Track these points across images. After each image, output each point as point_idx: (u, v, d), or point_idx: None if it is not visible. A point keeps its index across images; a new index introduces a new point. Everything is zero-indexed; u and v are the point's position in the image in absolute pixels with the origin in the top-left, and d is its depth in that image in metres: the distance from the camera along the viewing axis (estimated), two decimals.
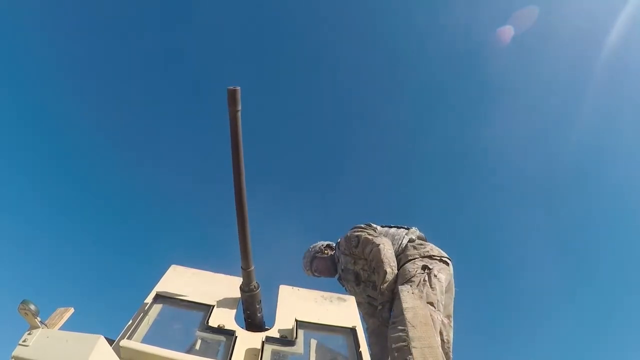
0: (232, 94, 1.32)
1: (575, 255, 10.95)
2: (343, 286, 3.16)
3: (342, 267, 3.03)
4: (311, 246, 3.37)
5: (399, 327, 2.08)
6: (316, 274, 3.29)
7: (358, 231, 2.93)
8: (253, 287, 1.67)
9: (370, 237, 2.83)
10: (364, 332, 2.30)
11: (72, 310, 2.12)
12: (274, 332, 1.61)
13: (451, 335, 2.49)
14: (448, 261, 2.75)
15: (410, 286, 2.36)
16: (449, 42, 10.59)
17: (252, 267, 1.62)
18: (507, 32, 8.89)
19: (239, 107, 1.35)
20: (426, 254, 2.68)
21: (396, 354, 2.01)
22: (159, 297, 1.65)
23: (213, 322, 1.57)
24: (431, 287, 2.45)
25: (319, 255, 3.26)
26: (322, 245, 3.32)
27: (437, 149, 11.84)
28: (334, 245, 3.29)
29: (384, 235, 2.91)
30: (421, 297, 2.29)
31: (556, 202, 11.43)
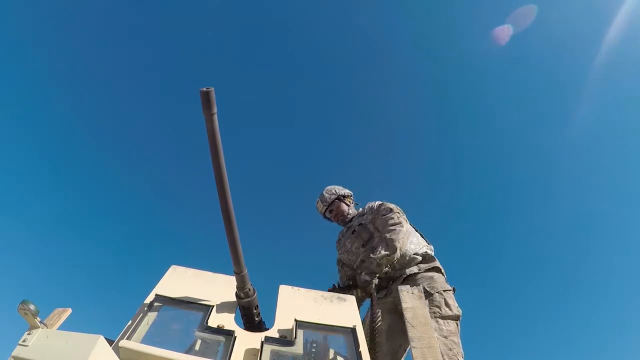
0: (205, 96, 1.20)
1: (574, 256, 10.97)
2: (339, 241, 3.14)
3: (360, 223, 2.99)
4: (336, 186, 3.27)
5: None
6: (328, 214, 3.21)
7: (392, 210, 2.86)
8: (248, 290, 1.66)
9: (400, 219, 2.79)
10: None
11: (69, 310, 2.12)
12: (273, 332, 1.61)
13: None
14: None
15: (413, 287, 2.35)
16: (447, 42, 10.61)
17: (245, 271, 1.60)
18: (505, 31, 8.92)
19: (215, 110, 1.23)
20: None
21: None
22: (159, 298, 1.65)
23: (212, 322, 1.58)
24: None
25: (342, 200, 3.19)
26: (347, 192, 3.25)
27: (434, 149, 11.87)
28: (352, 195, 3.26)
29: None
30: (421, 298, 2.28)
31: (555, 201, 11.45)
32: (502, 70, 11.13)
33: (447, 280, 2.73)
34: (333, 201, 3.18)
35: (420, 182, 11.78)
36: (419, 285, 2.54)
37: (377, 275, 2.55)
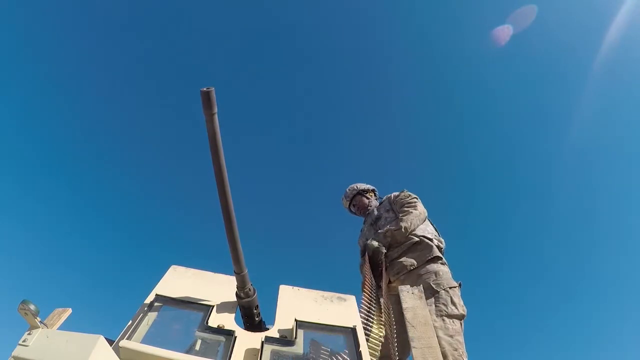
0: (206, 96, 1.21)
1: (574, 256, 10.98)
2: (361, 232, 3.42)
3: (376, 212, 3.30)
4: (358, 183, 3.66)
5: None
6: (352, 208, 3.60)
7: (410, 195, 3.12)
8: (248, 290, 1.67)
9: (416, 202, 3.05)
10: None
11: (69, 310, 2.12)
12: (273, 332, 1.61)
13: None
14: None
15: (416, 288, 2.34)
16: (447, 42, 10.62)
17: (245, 271, 1.61)
18: (505, 31, 8.92)
19: (215, 110, 1.25)
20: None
21: None
22: (159, 298, 1.65)
23: (213, 322, 1.58)
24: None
25: (363, 194, 3.56)
26: (368, 187, 3.62)
27: (434, 149, 11.88)
28: (376, 190, 3.63)
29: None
30: (421, 298, 2.28)
31: (555, 202, 11.46)
32: (502, 70, 11.14)
33: (452, 275, 2.68)
34: (354, 196, 3.56)
35: (420, 181, 11.76)
36: (423, 280, 2.54)
37: (384, 245, 2.76)
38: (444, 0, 10.65)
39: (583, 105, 10.25)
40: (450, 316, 2.37)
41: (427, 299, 2.38)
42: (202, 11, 10.91)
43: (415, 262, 2.68)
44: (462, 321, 2.45)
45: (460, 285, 2.63)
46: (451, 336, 2.27)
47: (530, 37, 9.83)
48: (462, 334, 2.38)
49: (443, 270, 2.64)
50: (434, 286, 2.49)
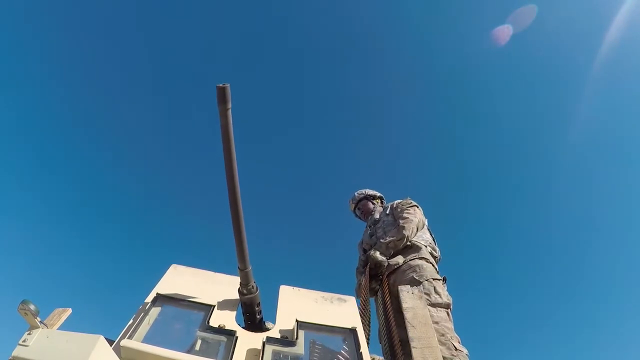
0: (221, 92, 1.26)
1: (574, 257, 10.99)
2: (364, 233, 3.45)
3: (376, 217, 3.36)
4: (367, 189, 3.77)
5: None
6: (357, 212, 3.70)
7: (411, 204, 3.15)
8: (251, 287, 1.67)
9: (415, 210, 3.07)
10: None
11: (69, 310, 2.12)
12: (274, 333, 1.61)
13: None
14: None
15: (410, 286, 2.37)
16: (447, 42, 10.62)
17: (249, 268, 1.62)
18: (505, 31, 8.91)
19: (230, 105, 1.29)
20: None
21: None
22: (160, 297, 1.64)
23: (214, 322, 1.57)
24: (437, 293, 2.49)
25: (369, 199, 3.65)
26: (376, 194, 3.71)
27: (434, 149, 11.88)
28: (383, 198, 3.70)
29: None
30: (421, 298, 2.29)
31: (554, 202, 11.47)
32: (502, 70, 11.14)
33: (438, 272, 2.75)
34: (361, 200, 3.66)
35: (420, 182, 11.78)
36: (407, 274, 2.62)
37: (387, 257, 2.76)
38: (444, 0, 10.65)
39: (583, 105, 10.25)
40: (434, 305, 2.40)
41: None
42: (207, 10, 10.90)
43: (399, 261, 2.75)
44: (449, 310, 2.49)
45: (444, 279, 2.68)
46: (437, 322, 2.29)
47: (530, 37, 9.83)
48: (449, 321, 2.41)
49: (425, 264, 2.70)
50: (417, 278, 2.55)
